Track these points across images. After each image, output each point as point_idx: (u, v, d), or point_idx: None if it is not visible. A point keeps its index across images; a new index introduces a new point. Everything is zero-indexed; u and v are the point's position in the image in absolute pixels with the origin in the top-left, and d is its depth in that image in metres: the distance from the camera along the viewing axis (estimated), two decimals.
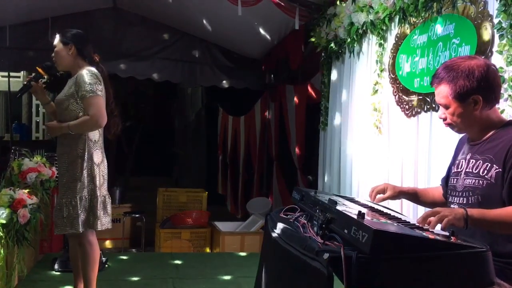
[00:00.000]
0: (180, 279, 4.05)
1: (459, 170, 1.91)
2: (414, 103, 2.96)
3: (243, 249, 5.25)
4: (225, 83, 6.42)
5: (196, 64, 6.30)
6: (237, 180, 7.79)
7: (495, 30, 2.31)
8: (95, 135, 3.03)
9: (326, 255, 1.36)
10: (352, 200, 2.08)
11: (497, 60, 2.26)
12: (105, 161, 3.11)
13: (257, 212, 5.96)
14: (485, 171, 1.78)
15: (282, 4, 4.28)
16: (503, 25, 2.24)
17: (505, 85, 2.19)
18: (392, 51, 3.27)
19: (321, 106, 4.42)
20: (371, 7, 3.39)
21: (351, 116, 3.83)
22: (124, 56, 5.98)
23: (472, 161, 1.85)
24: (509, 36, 2.22)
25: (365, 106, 3.56)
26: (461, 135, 2.05)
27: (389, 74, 3.28)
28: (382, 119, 3.35)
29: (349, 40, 3.79)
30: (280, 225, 1.74)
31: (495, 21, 2.32)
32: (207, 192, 6.45)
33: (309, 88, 5.17)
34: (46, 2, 5.32)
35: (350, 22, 3.70)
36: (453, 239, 1.44)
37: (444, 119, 1.89)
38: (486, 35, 2.39)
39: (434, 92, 1.93)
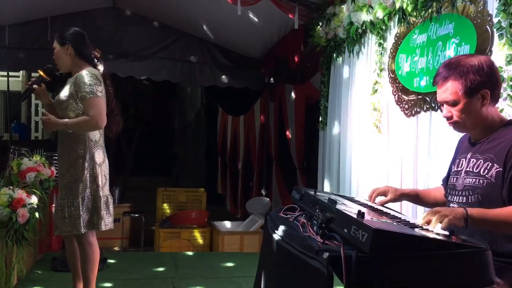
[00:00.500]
0: (179, 279, 4.05)
1: (459, 169, 1.91)
2: (414, 102, 2.96)
3: (243, 249, 5.25)
4: (224, 83, 6.42)
5: (195, 63, 6.29)
6: (237, 180, 7.78)
7: (495, 30, 2.31)
8: (96, 135, 3.02)
9: (325, 255, 1.35)
10: (351, 199, 2.08)
11: (496, 59, 2.25)
12: (107, 160, 3.11)
13: (257, 212, 5.96)
14: (486, 171, 1.78)
15: (282, 3, 4.28)
16: (503, 24, 2.24)
17: (504, 85, 2.20)
18: (391, 50, 3.27)
19: (320, 105, 4.42)
20: (370, 6, 3.39)
21: (350, 115, 3.83)
22: (123, 56, 5.97)
23: (473, 160, 1.85)
24: (508, 36, 2.22)
25: (365, 106, 3.56)
26: (461, 134, 2.05)
27: (389, 74, 3.28)
28: (381, 118, 3.35)
29: (348, 39, 3.79)
30: (279, 225, 1.74)
31: (495, 20, 2.32)
32: (206, 192, 6.45)
33: (308, 87, 5.17)
34: (45, 2, 5.31)
35: (349, 22, 3.70)
36: (453, 238, 1.44)
37: (449, 118, 1.87)
38: (486, 34, 2.39)
39: (433, 92, 1.93)
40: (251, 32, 5.56)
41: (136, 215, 5.90)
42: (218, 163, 8.90)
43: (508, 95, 2.21)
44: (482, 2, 2.44)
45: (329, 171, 4.23)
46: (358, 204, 1.89)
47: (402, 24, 3.12)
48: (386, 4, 3.21)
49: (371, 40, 3.55)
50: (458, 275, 1.38)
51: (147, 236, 5.79)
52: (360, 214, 1.44)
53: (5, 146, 6.89)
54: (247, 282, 3.82)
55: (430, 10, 2.79)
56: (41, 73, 3.15)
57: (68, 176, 2.98)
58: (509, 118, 1.95)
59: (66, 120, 2.95)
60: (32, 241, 3.54)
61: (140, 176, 9.81)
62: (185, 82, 7.01)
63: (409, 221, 1.66)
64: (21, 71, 10.59)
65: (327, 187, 4.25)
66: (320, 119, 4.43)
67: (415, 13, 2.95)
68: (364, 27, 3.53)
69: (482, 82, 1.77)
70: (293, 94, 5.61)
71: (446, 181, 2.06)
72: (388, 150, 3.28)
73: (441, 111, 1.93)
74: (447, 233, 1.48)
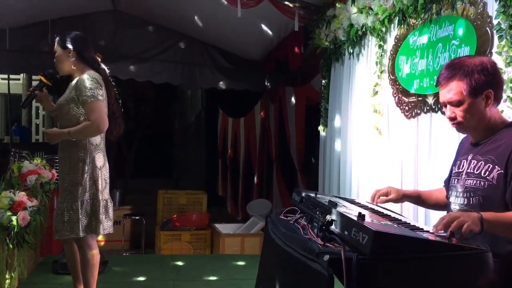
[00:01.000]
0: (180, 281, 4.05)
1: (460, 170, 1.90)
2: (414, 104, 2.96)
3: (243, 251, 5.25)
4: (224, 85, 6.42)
5: (195, 66, 6.30)
6: (237, 182, 7.78)
7: (495, 31, 2.31)
8: (96, 139, 3.02)
9: (326, 257, 1.35)
10: (352, 201, 2.08)
11: (496, 61, 2.25)
12: (107, 164, 3.11)
13: (257, 214, 5.95)
14: (487, 172, 1.77)
15: (282, 5, 4.29)
16: (502, 26, 2.24)
17: (503, 86, 2.19)
18: (391, 52, 3.27)
19: (320, 107, 4.42)
20: (370, 8, 3.39)
21: (351, 117, 3.83)
22: (124, 59, 5.98)
23: (474, 162, 1.84)
24: (508, 37, 2.22)
25: (365, 108, 3.56)
26: (462, 136, 2.05)
27: (389, 76, 3.28)
28: (382, 120, 3.35)
29: (348, 41, 3.80)
30: (280, 227, 1.74)
31: (495, 22, 2.32)
32: (207, 194, 6.45)
33: (308, 89, 5.17)
34: (45, 5, 5.32)
35: (349, 24, 3.70)
36: (453, 240, 1.44)
37: (453, 119, 1.85)
38: (486, 36, 2.39)
39: (433, 93, 1.93)
40: (251, 34, 5.57)
41: (137, 218, 5.90)
42: (218, 165, 8.90)
43: (508, 96, 2.21)
44: (482, 3, 2.44)
45: (330, 172, 4.23)
46: (359, 206, 1.89)
47: (402, 26, 3.12)
48: (386, 6, 3.22)
49: (371, 42, 3.55)
50: (459, 277, 1.38)
51: (147, 239, 5.79)
52: (361, 216, 1.44)
53: (5, 149, 6.89)
54: (248, 285, 3.81)
55: (430, 12, 2.79)
56: (42, 78, 3.15)
57: (68, 180, 2.99)
58: (510, 120, 1.94)
59: (68, 129, 2.96)
60: (33, 244, 3.54)
61: (140, 179, 9.81)
62: (185, 85, 7.02)
63: (409, 223, 1.66)
64: (22, 74, 10.60)
65: (327, 188, 4.25)
66: (321, 120, 4.43)
67: (415, 15, 2.95)
68: (364, 29, 3.53)
69: (486, 82, 1.77)
70: (293, 96, 5.61)
71: (447, 182, 2.05)
72: (388, 152, 3.27)
73: (442, 112, 1.92)
74: (447, 234, 1.48)
